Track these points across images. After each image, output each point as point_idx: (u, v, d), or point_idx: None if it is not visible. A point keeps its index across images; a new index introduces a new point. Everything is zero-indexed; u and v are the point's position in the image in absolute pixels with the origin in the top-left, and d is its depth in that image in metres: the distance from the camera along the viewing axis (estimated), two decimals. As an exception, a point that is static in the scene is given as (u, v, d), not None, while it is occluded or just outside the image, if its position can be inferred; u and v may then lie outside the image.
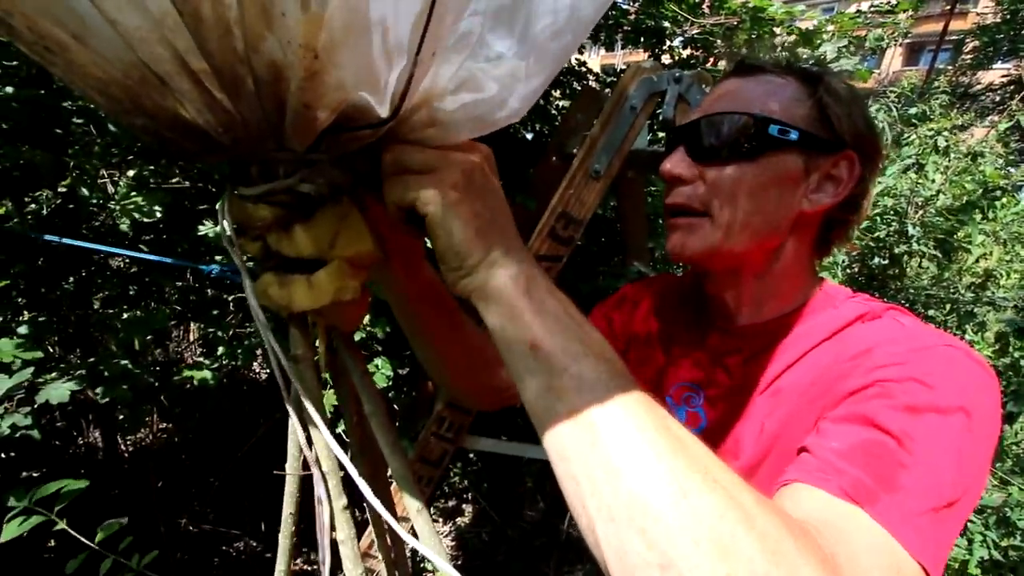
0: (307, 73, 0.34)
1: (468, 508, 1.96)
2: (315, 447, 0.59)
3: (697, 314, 0.64)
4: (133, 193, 0.99)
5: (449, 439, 1.35)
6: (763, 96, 0.54)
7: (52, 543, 1.23)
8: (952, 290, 2.41)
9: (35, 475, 0.98)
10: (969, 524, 1.80)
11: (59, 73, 0.34)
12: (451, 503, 1.98)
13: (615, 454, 0.29)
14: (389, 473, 0.60)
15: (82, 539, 0.80)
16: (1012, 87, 6.57)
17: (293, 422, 0.58)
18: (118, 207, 0.96)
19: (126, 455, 1.89)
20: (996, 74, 7.09)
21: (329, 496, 0.50)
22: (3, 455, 1.07)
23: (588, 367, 0.32)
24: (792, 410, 0.51)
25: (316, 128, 0.38)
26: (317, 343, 0.49)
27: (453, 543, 1.88)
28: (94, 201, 0.97)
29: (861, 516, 0.36)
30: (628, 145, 1.17)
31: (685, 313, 0.66)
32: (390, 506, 0.64)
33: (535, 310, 0.34)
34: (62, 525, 0.81)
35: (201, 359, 1.31)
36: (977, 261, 2.35)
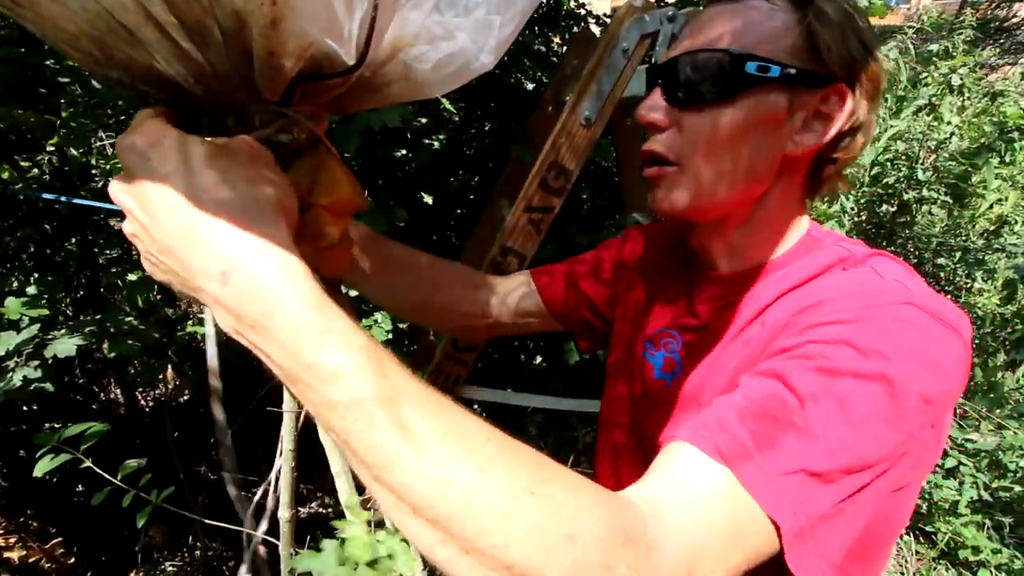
0: (267, 20, 0.34)
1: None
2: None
3: (682, 261, 0.63)
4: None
5: (448, 389, 1.40)
6: (743, 28, 0.49)
7: (80, 487, 1.33)
8: (964, 237, 2.36)
9: (56, 425, 1.05)
10: (960, 467, 1.84)
11: (31, 27, 0.35)
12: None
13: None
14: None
15: (105, 475, 0.86)
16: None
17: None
18: (109, 166, 0.97)
19: (147, 409, 1.99)
20: (1034, 6, 6.59)
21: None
22: (24, 407, 1.14)
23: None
24: (748, 358, 0.50)
25: (284, 76, 0.39)
26: None
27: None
28: (84, 161, 0.98)
29: (727, 479, 0.36)
30: (620, 90, 1.14)
31: (672, 259, 0.65)
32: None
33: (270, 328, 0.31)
34: (88, 463, 0.88)
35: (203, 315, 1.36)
36: (991, 207, 2.28)
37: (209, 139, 0.34)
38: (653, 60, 1.14)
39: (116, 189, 0.34)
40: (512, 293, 0.74)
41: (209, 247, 0.30)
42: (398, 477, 0.29)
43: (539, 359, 2.36)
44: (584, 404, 1.76)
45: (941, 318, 0.41)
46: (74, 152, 0.98)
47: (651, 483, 0.39)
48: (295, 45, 0.34)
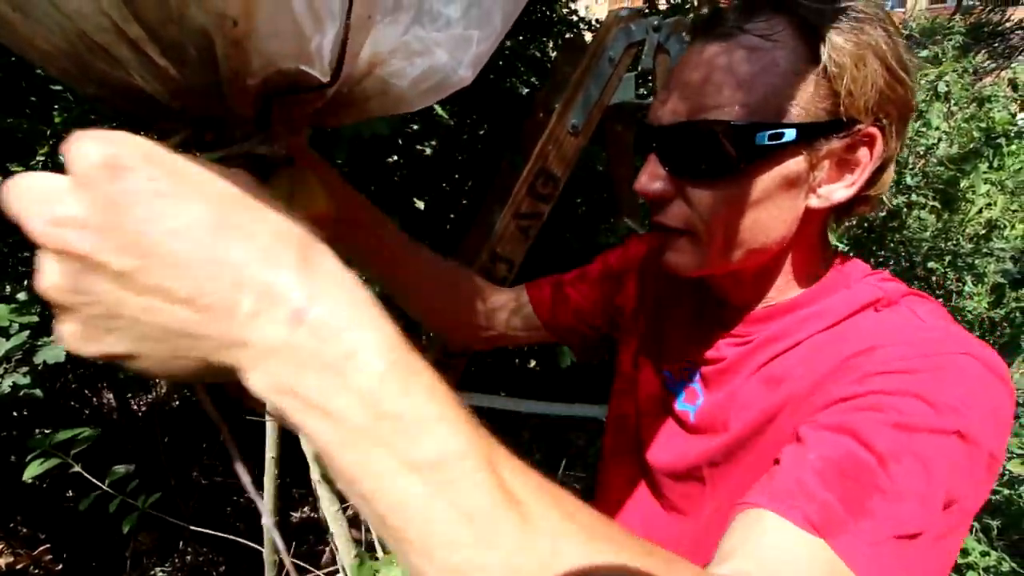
0: (230, 40, 0.35)
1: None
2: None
3: (697, 290, 0.59)
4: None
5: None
6: (745, 84, 0.42)
7: (70, 493, 1.33)
8: (954, 242, 2.37)
9: (47, 432, 1.05)
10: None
11: (8, 45, 0.36)
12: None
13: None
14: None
15: (94, 480, 0.87)
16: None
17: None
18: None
19: (139, 414, 1.99)
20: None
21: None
22: (14, 413, 1.14)
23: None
24: (785, 398, 0.47)
25: (251, 94, 0.39)
26: None
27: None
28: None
29: (822, 550, 0.34)
30: (607, 98, 1.15)
31: (685, 288, 0.61)
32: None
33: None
34: (77, 468, 0.88)
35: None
36: (980, 212, 2.30)
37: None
38: (640, 68, 1.16)
39: (72, 209, 0.22)
40: (506, 307, 0.73)
41: (271, 284, 0.23)
42: (498, 553, 0.23)
43: (533, 363, 2.37)
44: (577, 409, 1.77)
45: (993, 368, 0.40)
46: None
47: (741, 559, 0.35)
48: (259, 64, 0.35)
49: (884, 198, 2.17)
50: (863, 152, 0.43)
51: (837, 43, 0.40)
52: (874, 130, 0.42)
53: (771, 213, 0.45)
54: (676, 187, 0.47)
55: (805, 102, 0.41)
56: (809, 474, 0.37)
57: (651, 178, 0.47)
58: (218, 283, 0.22)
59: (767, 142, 0.41)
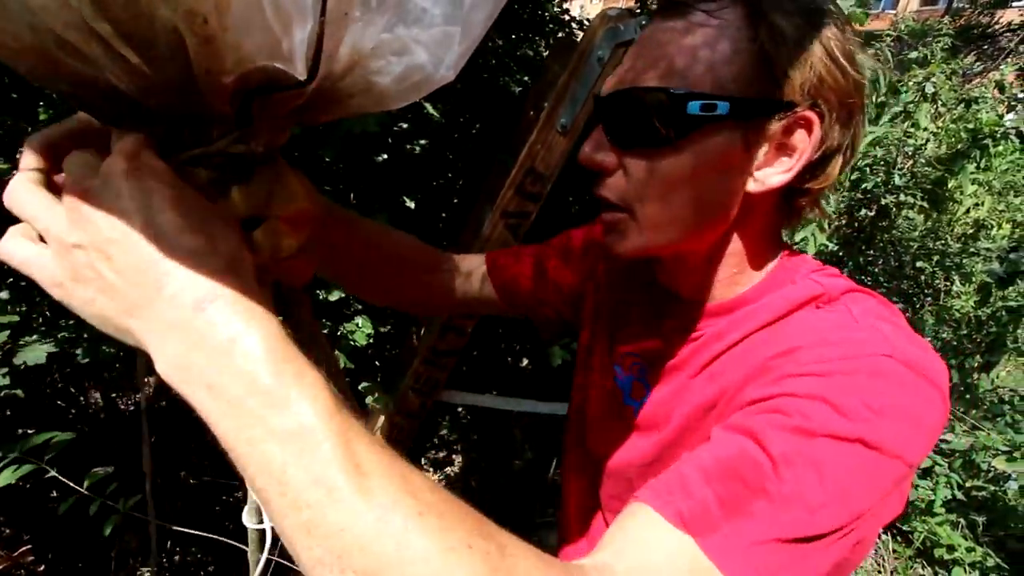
0: (200, 38, 0.34)
1: (457, 458, 2.05)
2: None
3: (648, 283, 0.59)
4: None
5: (426, 393, 1.40)
6: (683, 58, 0.42)
7: (54, 493, 1.32)
8: (942, 242, 2.40)
9: (30, 432, 1.04)
10: (935, 467, 1.87)
11: None
12: (441, 454, 2.07)
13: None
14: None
15: (71, 484, 0.86)
16: (1031, 26, 6.23)
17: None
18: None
19: (127, 413, 1.97)
20: (1015, 12, 6.72)
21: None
22: (-4, 413, 1.13)
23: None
24: (715, 395, 0.47)
25: (226, 91, 0.39)
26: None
27: (443, 490, 1.98)
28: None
29: (689, 546, 0.34)
30: (596, 98, 1.15)
31: (636, 279, 0.62)
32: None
33: (210, 401, 0.29)
34: (53, 473, 0.87)
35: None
36: (968, 211, 2.33)
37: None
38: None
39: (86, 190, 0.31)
40: (467, 276, 0.71)
41: (192, 279, 0.29)
42: (334, 516, 0.26)
43: (525, 362, 2.37)
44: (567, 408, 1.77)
45: (920, 371, 0.39)
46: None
47: (606, 549, 0.36)
48: (233, 61, 0.35)
49: (875, 196, 2.20)
50: (800, 136, 0.43)
51: (779, 24, 0.41)
52: (811, 114, 0.42)
53: (706, 191, 0.45)
54: (617, 158, 0.47)
55: (742, 79, 0.42)
56: (694, 471, 0.38)
57: (594, 148, 0.48)
58: (159, 271, 0.29)
59: (699, 112, 0.42)
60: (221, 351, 0.28)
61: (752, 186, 0.45)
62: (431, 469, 2.02)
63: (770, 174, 0.45)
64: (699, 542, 0.34)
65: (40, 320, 1.19)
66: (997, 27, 6.68)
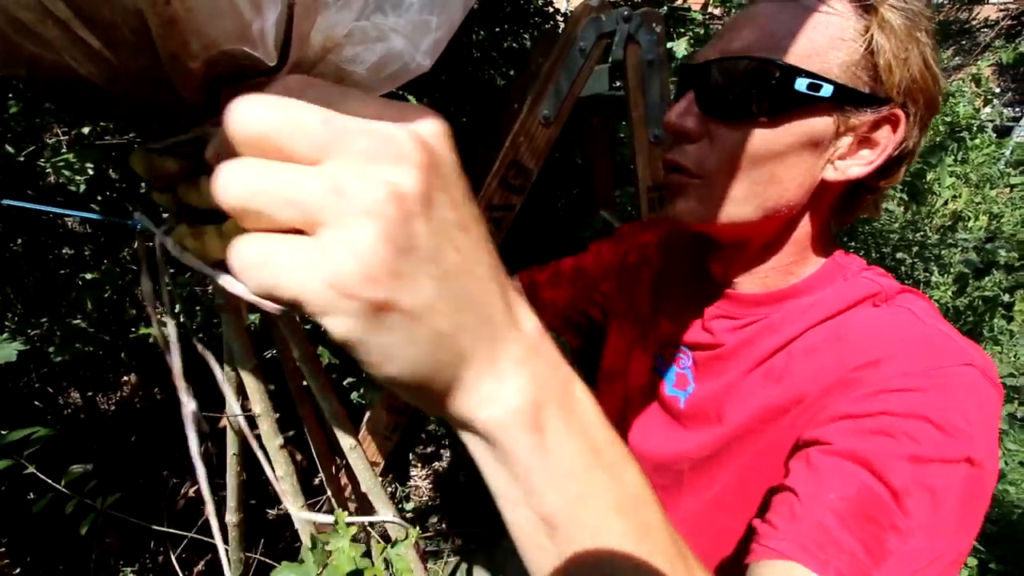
0: (163, 20, 0.33)
1: (445, 453, 2.05)
2: (248, 390, 0.62)
3: (696, 271, 0.58)
4: (64, 150, 0.96)
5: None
6: (795, 34, 0.42)
7: (31, 495, 1.29)
8: (921, 233, 2.44)
9: (4, 432, 1.02)
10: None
11: None
12: (429, 448, 2.07)
13: None
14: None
15: (49, 480, 0.84)
16: (1011, 23, 6.35)
17: (225, 369, 0.60)
18: (48, 165, 0.94)
19: (109, 413, 1.94)
20: (992, 9, 6.84)
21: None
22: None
23: (610, 534, 0.24)
24: (790, 399, 0.47)
25: (194, 77, 0.38)
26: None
27: (431, 485, 1.98)
28: (20, 160, 0.95)
29: None
30: (579, 88, 1.15)
31: (684, 268, 0.61)
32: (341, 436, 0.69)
33: (547, 466, 0.23)
34: (31, 469, 0.85)
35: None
36: (946, 204, 2.37)
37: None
38: (611, 60, 1.15)
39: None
40: None
41: (517, 299, 0.25)
42: None
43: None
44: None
45: (991, 377, 0.41)
46: (10, 149, 0.94)
47: None
48: (199, 46, 0.34)
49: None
50: (885, 132, 0.44)
51: (889, 20, 0.42)
52: (900, 113, 0.43)
53: (788, 171, 0.45)
54: (703, 127, 0.46)
55: (847, 66, 0.42)
56: (832, 518, 0.37)
57: (683, 114, 0.47)
58: (493, 295, 0.23)
59: (804, 90, 0.42)
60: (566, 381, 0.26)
61: (831, 174, 0.45)
62: (420, 464, 2.01)
63: (851, 165, 0.45)
64: None
65: (13, 317, 1.16)
66: (975, 23, 6.80)
